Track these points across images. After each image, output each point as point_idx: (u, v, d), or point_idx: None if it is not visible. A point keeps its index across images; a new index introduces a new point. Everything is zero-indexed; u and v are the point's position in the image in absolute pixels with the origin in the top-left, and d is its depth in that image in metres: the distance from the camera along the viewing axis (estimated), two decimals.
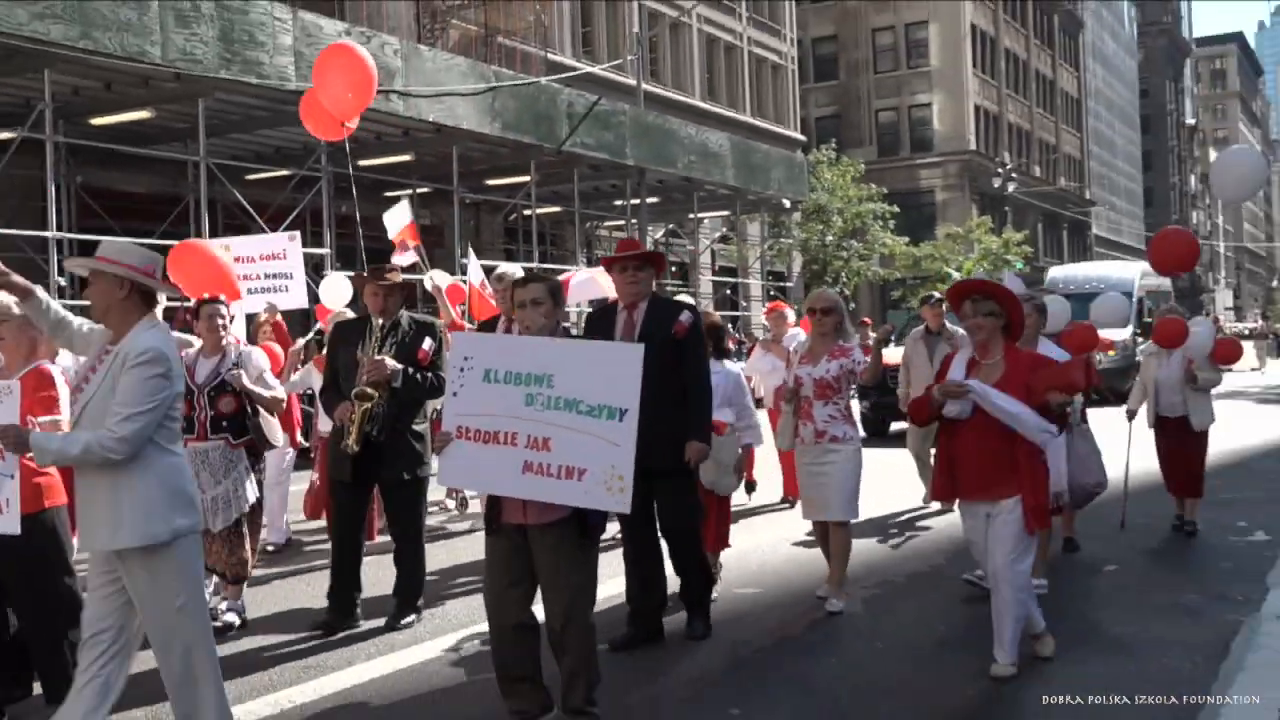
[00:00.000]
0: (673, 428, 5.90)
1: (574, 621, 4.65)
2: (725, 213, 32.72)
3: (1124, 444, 9.23)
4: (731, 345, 8.81)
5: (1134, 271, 26.67)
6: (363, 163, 21.59)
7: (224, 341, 6.77)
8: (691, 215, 31.25)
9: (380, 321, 6.73)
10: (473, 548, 8.70)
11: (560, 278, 12.96)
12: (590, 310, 6.70)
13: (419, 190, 23.53)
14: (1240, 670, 5.44)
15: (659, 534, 6.35)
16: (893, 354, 11.17)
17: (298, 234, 9.56)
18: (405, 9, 26.57)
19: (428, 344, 6.69)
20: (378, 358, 6.47)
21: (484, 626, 6.36)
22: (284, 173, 19.79)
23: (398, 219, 11.92)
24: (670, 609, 6.58)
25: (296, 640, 6.57)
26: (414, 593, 6.87)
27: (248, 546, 6.73)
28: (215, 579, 6.92)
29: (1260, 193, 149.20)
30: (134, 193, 18.93)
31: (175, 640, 4.19)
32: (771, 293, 32.75)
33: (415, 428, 6.75)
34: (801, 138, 44.56)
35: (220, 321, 6.74)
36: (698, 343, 6.19)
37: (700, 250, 33.67)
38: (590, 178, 25.91)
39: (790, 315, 11.12)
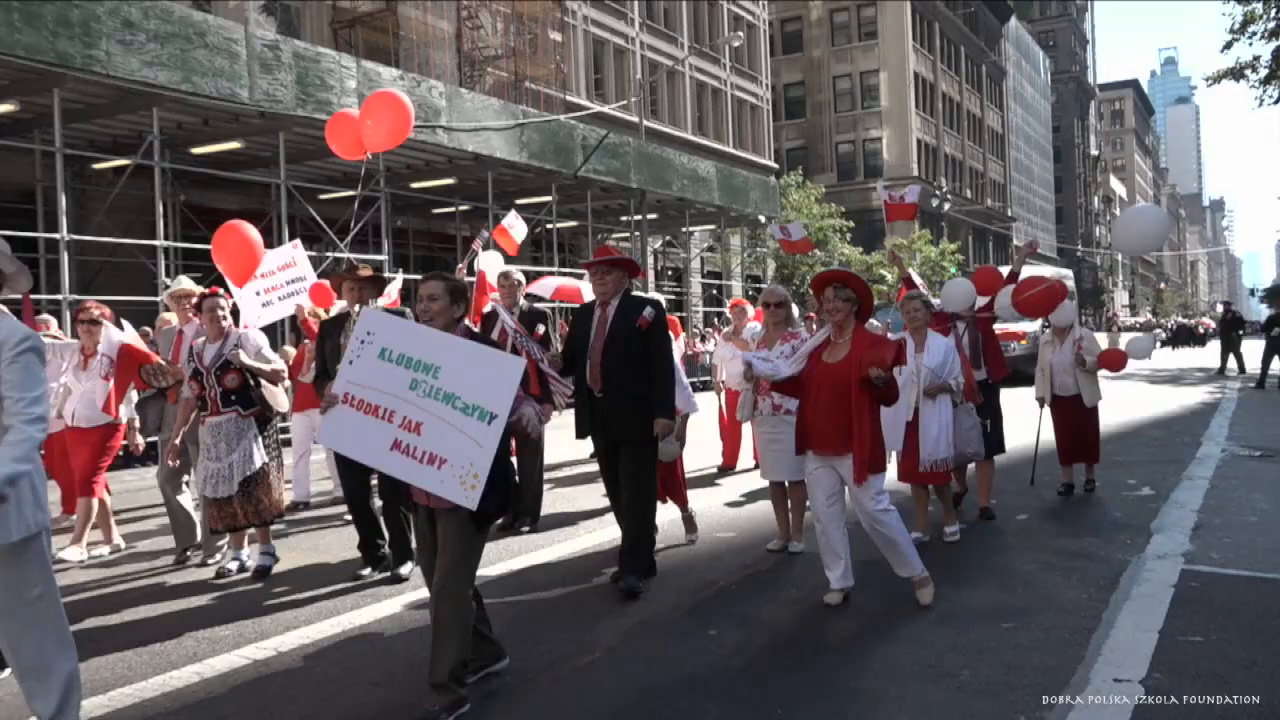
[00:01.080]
0: (639, 405, 5.87)
1: (448, 592, 4.07)
2: (712, 227, 32.67)
3: (1034, 420, 9.14)
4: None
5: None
6: (414, 185, 21.66)
7: (224, 326, 6.56)
8: (684, 229, 31.21)
9: (358, 310, 6.46)
10: None
11: (576, 284, 13.00)
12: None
13: (460, 208, 23.53)
14: (1126, 599, 5.47)
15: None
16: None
17: (299, 241, 9.23)
18: (449, 58, 26.52)
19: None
20: None
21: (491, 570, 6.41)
22: (350, 193, 19.70)
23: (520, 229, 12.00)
24: (660, 549, 6.53)
25: (313, 587, 6.35)
26: (401, 554, 6.51)
27: (267, 497, 6.54)
28: (228, 536, 6.79)
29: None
30: (227, 210, 18.82)
31: (30, 630, 3.67)
32: (749, 292, 32.72)
33: None
34: (774, 165, 44.46)
35: (220, 312, 6.55)
36: (661, 333, 6.03)
37: (691, 258, 33.63)
38: (601, 198, 25.93)
39: (749, 310, 10.77)
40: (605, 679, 4.54)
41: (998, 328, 8.49)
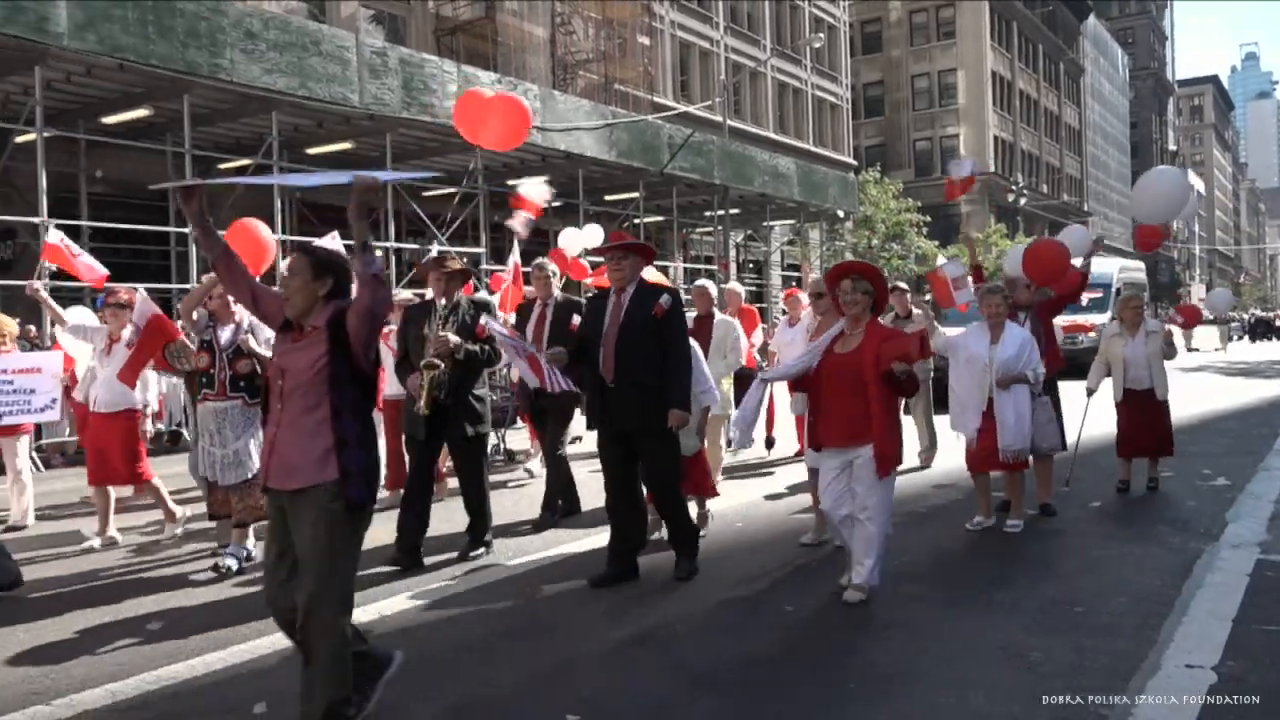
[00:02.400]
0: (652, 395, 5.45)
1: (313, 617, 3.32)
2: (791, 221, 32.33)
3: (1080, 414, 8.26)
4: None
5: (1113, 267, 25.63)
6: (510, 182, 21.86)
7: (235, 312, 6.18)
8: (765, 223, 30.96)
9: (443, 303, 6.25)
10: (525, 495, 8.49)
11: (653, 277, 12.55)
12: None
13: (552, 204, 23.68)
14: (1200, 587, 5.26)
15: (639, 490, 5.78)
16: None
17: (336, 233, 8.64)
18: (543, 62, 26.69)
19: (484, 320, 6.18)
20: (441, 334, 6.02)
21: (543, 554, 6.30)
22: (450, 190, 20.03)
23: (538, 191, 11.19)
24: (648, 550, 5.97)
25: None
26: (483, 530, 6.38)
27: (252, 497, 6.09)
28: (182, 529, 6.50)
29: (1231, 206, 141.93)
30: (339, 206, 19.24)
31: None
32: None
33: (476, 392, 6.24)
34: (853, 162, 43.79)
35: (230, 298, 6.14)
36: (677, 322, 5.60)
37: (771, 251, 33.35)
38: (685, 194, 25.85)
39: (804, 299, 10.38)
40: (689, 652, 4.53)
41: (1066, 319, 8.02)
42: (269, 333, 5.86)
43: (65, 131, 14.19)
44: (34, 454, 10.22)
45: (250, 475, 6.01)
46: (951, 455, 8.65)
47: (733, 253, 30.31)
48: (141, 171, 16.64)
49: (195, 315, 6.32)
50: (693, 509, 6.33)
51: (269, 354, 5.71)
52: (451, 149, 18.58)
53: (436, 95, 16.63)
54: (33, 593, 5.73)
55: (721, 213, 26.94)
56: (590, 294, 6.37)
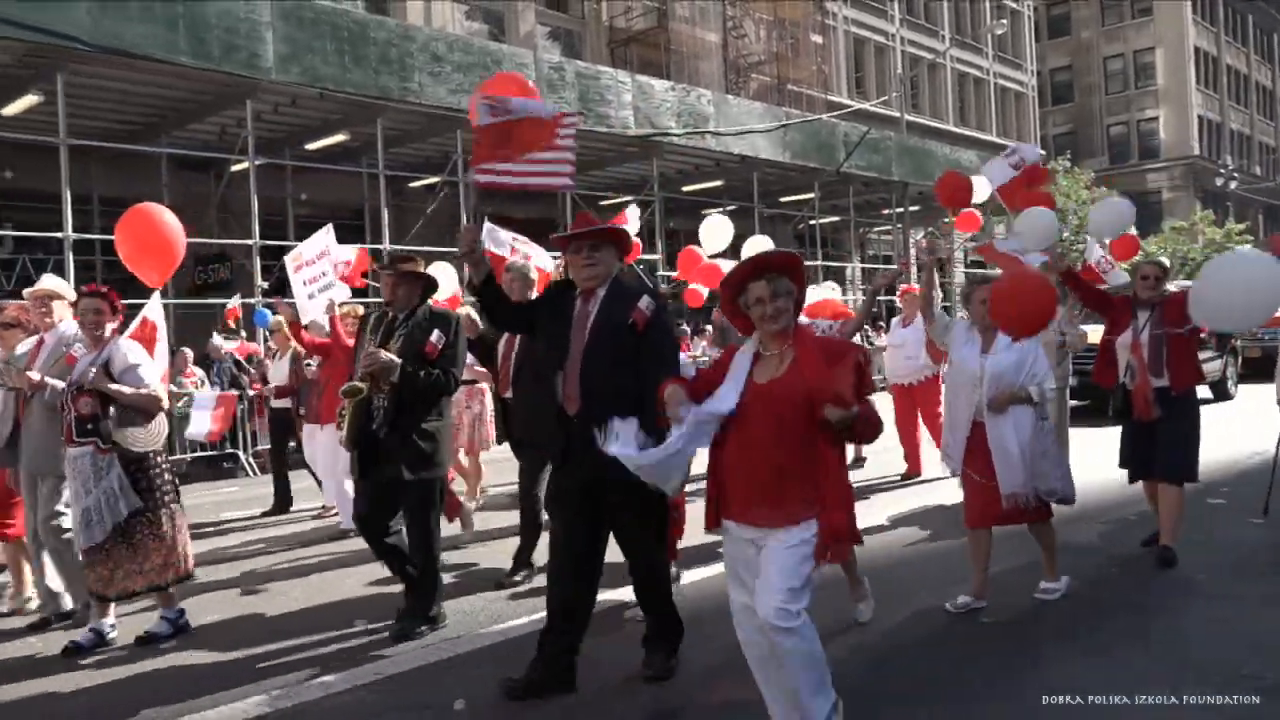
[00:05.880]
0: None
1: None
2: None
3: (1275, 429, 6.67)
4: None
5: None
6: (684, 188, 21.97)
7: (102, 334, 5.00)
8: (946, 219, 29.90)
9: (390, 313, 5.01)
10: (488, 555, 6.73)
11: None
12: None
13: (727, 207, 23.66)
14: None
15: (598, 565, 4.17)
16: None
17: (331, 226, 7.75)
18: (715, 68, 26.73)
19: (435, 336, 4.83)
20: (372, 350, 4.79)
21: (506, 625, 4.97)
22: (627, 198, 20.32)
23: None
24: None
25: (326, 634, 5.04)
26: (426, 602, 4.98)
27: (159, 554, 4.93)
28: (95, 603, 5.01)
29: None
30: (522, 218, 19.93)
31: None
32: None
33: (425, 426, 4.84)
34: (1041, 151, 41.74)
35: (99, 316, 4.96)
36: (660, 336, 4.08)
37: (954, 247, 32.18)
38: (862, 192, 25.32)
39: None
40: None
41: None
42: (139, 360, 5.00)
43: (273, 159, 15.24)
44: None
45: (100, 539, 4.81)
46: (1102, 472, 6.99)
47: (912, 251, 29.40)
48: (341, 193, 17.67)
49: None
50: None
51: (126, 390, 4.88)
52: (627, 158, 18.86)
53: (612, 106, 16.89)
54: None
55: (900, 210, 26.20)
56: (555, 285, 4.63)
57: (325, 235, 7.45)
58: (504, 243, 7.81)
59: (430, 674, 4.40)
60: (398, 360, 4.75)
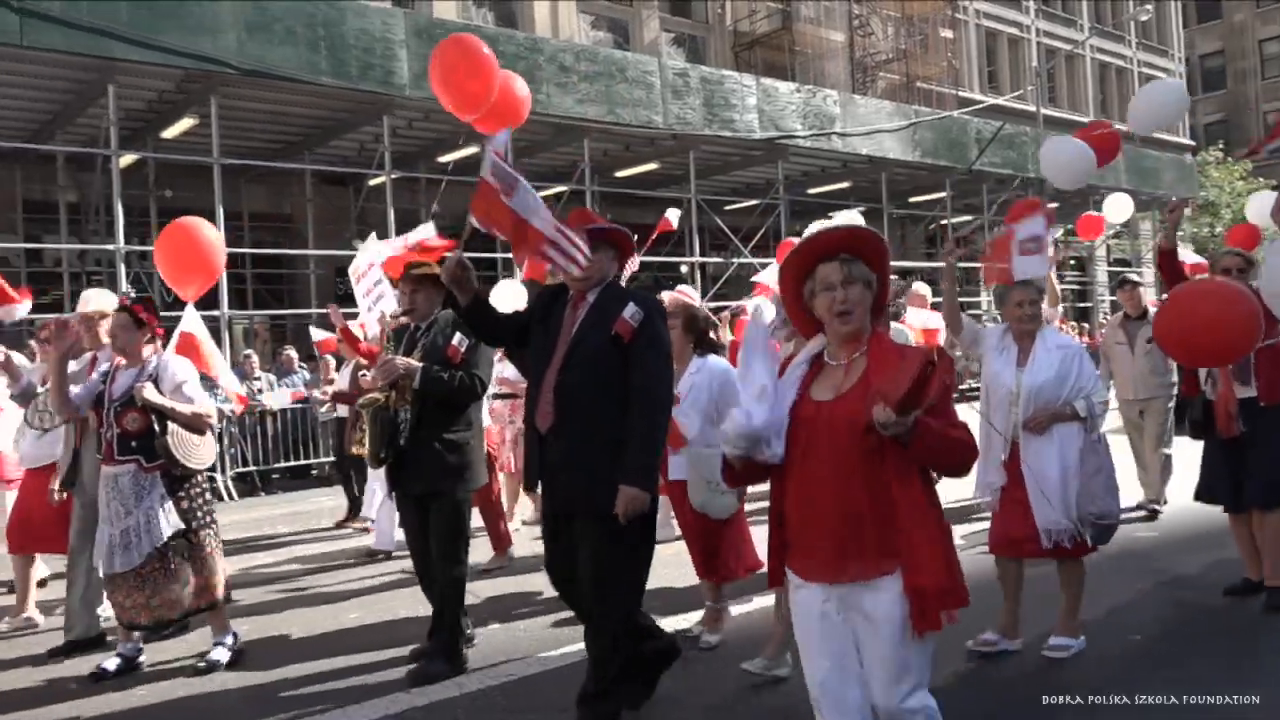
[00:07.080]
0: (607, 459, 3.51)
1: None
2: None
3: None
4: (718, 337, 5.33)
5: None
6: (811, 190, 21.69)
7: (141, 351, 4.78)
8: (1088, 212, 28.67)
9: (411, 322, 4.77)
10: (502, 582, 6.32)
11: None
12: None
13: (856, 210, 23.27)
14: None
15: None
16: None
17: (374, 235, 7.64)
18: (841, 67, 26.32)
19: (458, 339, 4.56)
20: (386, 359, 4.58)
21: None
22: (752, 203, 20.21)
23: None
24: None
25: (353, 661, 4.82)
26: (453, 640, 4.56)
27: (194, 578, 4.69)
28: (122, 630, 4.81)
29: None
30: (644, 224, 20.09)
31: None
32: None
33: (448, 436, 4.54)
34: (1190, 142, 39.49)
35: (132, 331, 4.74)
36: (649, 348, 3.60)
37: (1096, 246, 30.79)
38: (997, 190, 24.48)
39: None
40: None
41: None
42: (188, 377, 4.80)
43: (408, 172, 15.75)
44: None
45: (137, 562, 4.57)
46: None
47: (1050, 250, 28.27)
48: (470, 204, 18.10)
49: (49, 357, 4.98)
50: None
51: (178, 405, 4.67)
52: (752, 161, 18.75)
53: (737, 110, 16.82)
54: None
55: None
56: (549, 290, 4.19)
57: (372, 245, 7.25)
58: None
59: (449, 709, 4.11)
60: (416, 364, 4.51)
